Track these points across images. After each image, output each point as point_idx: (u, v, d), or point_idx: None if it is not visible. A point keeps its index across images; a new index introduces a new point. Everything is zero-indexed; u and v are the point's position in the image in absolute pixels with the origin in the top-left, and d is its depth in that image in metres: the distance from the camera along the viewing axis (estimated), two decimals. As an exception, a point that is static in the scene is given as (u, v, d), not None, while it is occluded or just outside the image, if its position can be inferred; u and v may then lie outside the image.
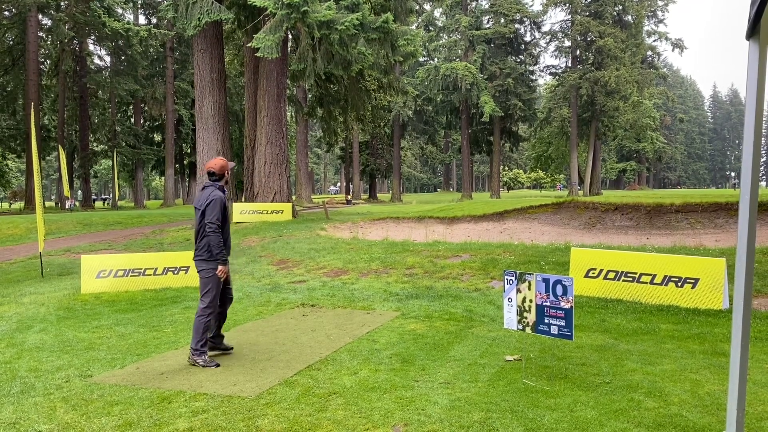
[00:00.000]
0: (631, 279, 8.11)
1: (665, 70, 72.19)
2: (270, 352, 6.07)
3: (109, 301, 9.28)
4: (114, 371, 5.65)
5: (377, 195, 63.48)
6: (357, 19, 18.20)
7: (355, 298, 8.93)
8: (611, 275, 8.27)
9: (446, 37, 55.38)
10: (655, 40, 54.79)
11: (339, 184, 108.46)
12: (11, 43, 40.90)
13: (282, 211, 21.48)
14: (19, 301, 9.41)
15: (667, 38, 54.16)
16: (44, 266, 12.73)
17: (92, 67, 47.46)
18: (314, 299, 8.95)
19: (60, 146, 24.25)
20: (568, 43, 52.90)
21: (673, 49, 57.09)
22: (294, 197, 33.23)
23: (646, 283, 7.98)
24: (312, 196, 48.37)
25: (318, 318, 7.76)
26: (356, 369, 5.43)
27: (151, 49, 45.31)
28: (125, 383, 5.25)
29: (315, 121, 37.37)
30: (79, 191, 47.21)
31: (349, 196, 54.27)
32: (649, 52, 55.29)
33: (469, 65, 48.14)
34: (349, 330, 7.00)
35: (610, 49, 48.07)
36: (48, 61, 44.26)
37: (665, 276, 7.86)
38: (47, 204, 50.73)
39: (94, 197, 61.35)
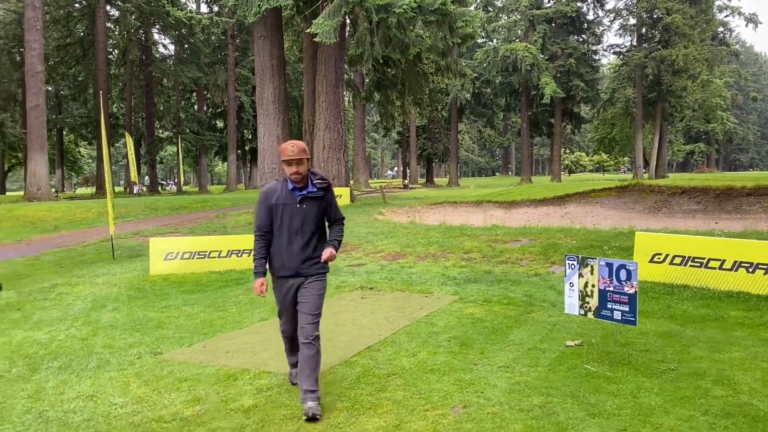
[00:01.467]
0: (698, 264, 7.84)
1: (737, 46, 68.74)
2: (330, 333, 6.18)
3: (176, 282, 9.63)
4: (182, 349, 5.89)
5: (434, 179, 63.21)
6: (415, 1, 18.08)
7: (413, 281, 8.97)
8: (677, 260, 8.01)
9: (505, 18, 54.31)
10: (726, 16, 52.17)
11: (396, 168, 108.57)
12: (81, 34, 42.56)
13: (340, 196, 21.71)
14: (93, 282, 9.88)
15: (739, 13, 51.44)
16: (115, 249, 13.29)
17: (157, 55, 48.91)
18: (372, 282, 9.04)
19: (128, 133, 25.15)
20: (633, 21, 50.99)
21: (746, 25, 54.22)
22: (351, 182, 33.47)
23: (715, 268, 7.69)
24: (369, 181, 48.63)
25: (376, 301, 7.85)
26: (415, 351, 5.48)
27: (213, 37, 46.28)
28: (193, 360, 5.46)
29: (372, 105, 37.45)
30: (146, 177, 48.94)
31: (406, 181, 54.27)
32: (720, 29, 52.70)
33: (529, 46, 47.12)
34: (408, 313, 7.05)
35: (678, 26, 46.07)
36: (116, 51, 45.87)
37: (735, 261, 7.55)
38: (116, 189, 52.86)
39: (160, 182, 63.46)
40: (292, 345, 4.56)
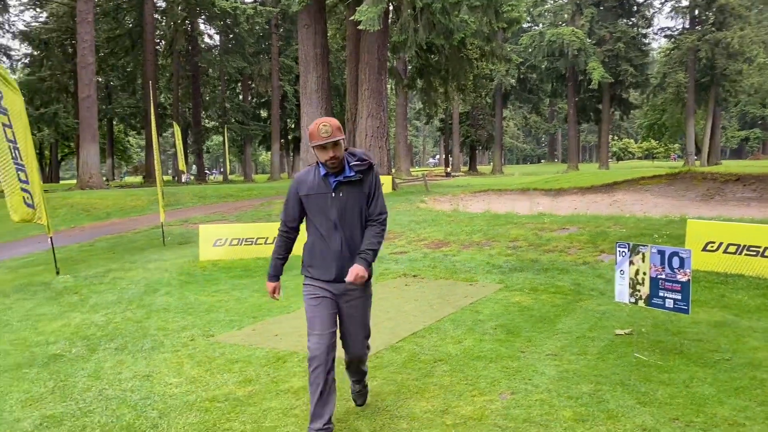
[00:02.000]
0: (754, 253, 7.60)
1: (797, 27, 65.75)
2: (375, 319, 6.21)
3: (225, 267, 9.84)
4: (233, 332, 6.03)
5: (477, 167, 62.70)
6: (459, -13, 17.89)
7: (457, 269, 8.94)
8: (732, 249, 7.78)
9: (552, 2, 53.28)
10: (786, -5, 50.01)
11: (438, 156, 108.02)
12: (130, 26, 43.53)
13: (383, 184, 21.75)
14: (145, 267, 10.17)
15: (800, -8, 49.25)
16: (165, 235, 13.64)
17: (203, 46, 49.68)
18: (416, 270, 9.05)
19: (175, 123, 25.71)
20: (685, 3, 49.34)
21: (807, 4, 51.82)
22: (393, 170, 33.46)
23: (772, 257, 7.44)
24: (411, 169, 48.53)
25: (420, 288, 7.86)
26: (461, 338, 5.48)
27: (257, 27, 46.75)
28: (243, 343, 5.59)
29: (414, 93, 37.28)
30: (194, 165, 49.89)
31: (449, 169, 53.98)
32: (779, 9, 50.59)
33: (576, 30, 46.13)
34: (452, 300, 7.05)
35: (733, 7, 44.40)
36: (163, 42, 46.78)
37: (794, 251, 7.29)
38: (164, 178, 54.15)
39: (206, 171, 64.71)
40: (325, 384, 3.37)
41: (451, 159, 58.72)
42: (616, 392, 4.08)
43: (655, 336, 5.31)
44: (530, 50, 48.84)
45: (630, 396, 4.01)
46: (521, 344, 5.23)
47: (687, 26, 50.22)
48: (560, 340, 5.31)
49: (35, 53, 44.58)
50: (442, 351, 5.11)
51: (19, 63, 47.52)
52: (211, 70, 51.03)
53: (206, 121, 53.94)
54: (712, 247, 7.93)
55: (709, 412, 3.74)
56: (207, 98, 51.91)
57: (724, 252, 7.83)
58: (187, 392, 4.39)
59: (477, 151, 63.13)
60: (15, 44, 57.06)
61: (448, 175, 48.58)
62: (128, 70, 46.36)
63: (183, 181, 40.59)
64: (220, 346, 5.53)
